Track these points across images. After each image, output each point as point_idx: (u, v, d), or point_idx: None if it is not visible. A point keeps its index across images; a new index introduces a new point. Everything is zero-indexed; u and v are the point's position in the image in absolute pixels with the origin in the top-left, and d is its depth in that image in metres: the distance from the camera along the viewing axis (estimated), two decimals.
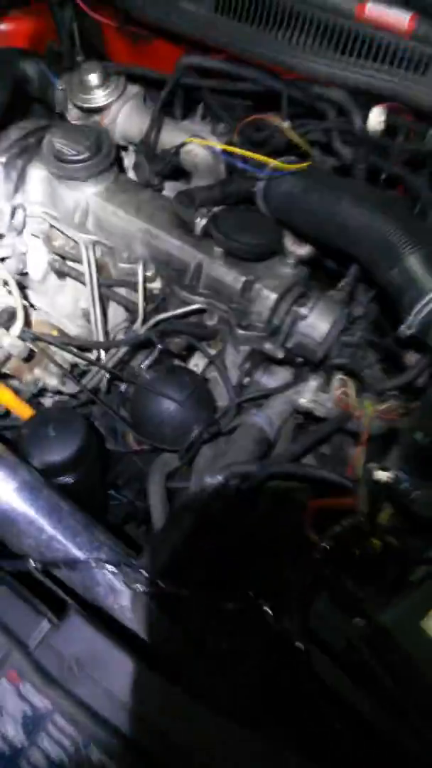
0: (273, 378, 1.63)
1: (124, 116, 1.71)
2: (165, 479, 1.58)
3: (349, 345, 1.54)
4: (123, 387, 1.61)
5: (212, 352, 1.57)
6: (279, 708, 1.07)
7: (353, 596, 1.07)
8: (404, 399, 1.57)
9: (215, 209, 1.60)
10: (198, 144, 1.64)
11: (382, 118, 1.52)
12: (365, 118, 1.54)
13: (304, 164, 1.58)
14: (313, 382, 1.60)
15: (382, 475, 1.18)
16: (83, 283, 1.62)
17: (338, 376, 1.53)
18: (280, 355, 1.50)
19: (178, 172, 1.72)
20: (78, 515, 1.31)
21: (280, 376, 1.63)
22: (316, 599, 1.10)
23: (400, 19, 1.47)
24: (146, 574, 1.21)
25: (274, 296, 1.50)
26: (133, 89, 1.72)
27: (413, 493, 1.14)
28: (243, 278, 1.51)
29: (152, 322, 1.50)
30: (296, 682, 1.09)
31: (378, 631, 1.01)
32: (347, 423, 1.55)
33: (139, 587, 1.20)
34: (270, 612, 1.11)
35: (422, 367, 1.49)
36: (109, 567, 1.24)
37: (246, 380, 1.60)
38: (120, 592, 1.24)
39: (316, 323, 1.50)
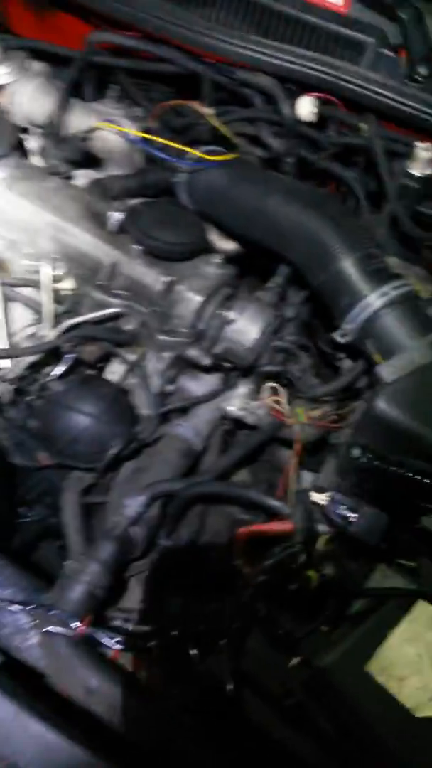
0: (199, 384, 1.51)
1: (28, 96, 1.53)
2: (80, 497, 1.45)
3: (280, 350, 1.45)
4: (29, 396, 1.45)
5: (132, 357, 1.44)
6: (209, 755, 0.97)
7: (289, 635, 0.97)
8: (337, 404, 1.50)
9: (132, 202, 1.46)
10: (111, 129, 1.49)
11: (313, 108, 1.42)
12: (294, 107, 1.44)
13: (230, 155, 1.46)
14: (242, 389, 1.51)
15: (318, 498, 1.09)
16: None
17: (268, 384, 1.43)
18: (206, 362, 1.39)
19: (90, 159, 1.56)
20: None
21: (207, 381, 1.51)
22: (249, 638, 1.00)
23: None
24: (57, 615, 1.09)
25: (198, 299, 1.38)
26: (38, 66, 1.55)
27: (351, 516, 1.06)
28: (164, 279, 1.38)
29: (63, 327, 1.35)
30: (227, 728, 0.99)
31: (317, 673, 0.92)
32: (279, 431, 1.47)
33: (52, 629, 1.08)
34: (196, 652, 1.01)
35: (356, 373, 1.42)
36: (15, 607, 1.11)
37: (170, 387, 1.47)
38: (28, 631, 1.11)
39: (245, 328, 1.39)
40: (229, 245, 1.66)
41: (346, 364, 1.60)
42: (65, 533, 1.40)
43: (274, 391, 1.43)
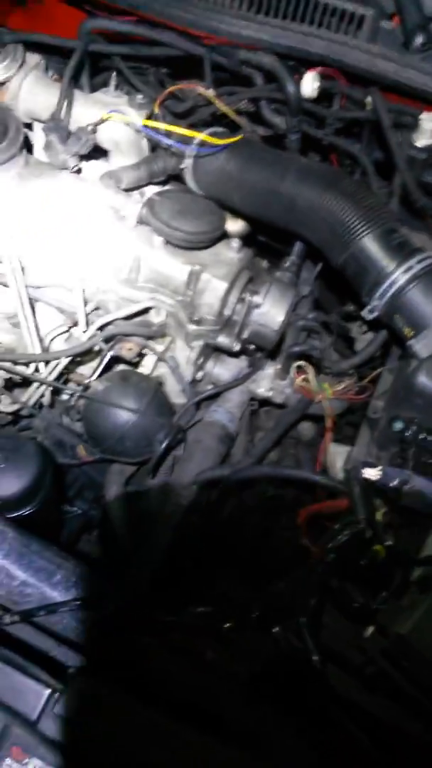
0: (225, 368, 1.55)
1: (27, 90, 1.50)
2: (123, 488, 1.49)
3: (305, 329, 1.49)
4: (65, 395, 1.47)
5: (160, 348, 1.46)
6: (300, 729, 1.04)
7: (363, 607, 1.04)
8: (357, 376, 1.55)
9: (148, 193, 1.46)
10: (117, 119, 1.47)
11: (317, 84, 1.43)
12: (297, 85, 1.44)
13: (236, 137, 1.47)
14: (269, 370, 1.55)
15: (370, 473, 1.15)
16: (5, 285, 1.44)
17: (297, 363, 1.47)
18: (237, 348, 1.42)
19: (96, 150, 1.55)
20: (47, 553, 1.20)
21: (233, 365, 1.55)
22: (325, 614, 1.06)
23: None
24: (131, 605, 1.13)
25: (224, 285, 1.40)
26: (34, 58, 1.51)
27: (404, 487, 1.12)
28: (188, 268, 1.40)
29: (95, 326, 1.36)
30: (314, 701, 1.06)
31: (396, 641, 0.99)
32: (308, 408, 1.52)
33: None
34: (278, 630, 1.07)
35: (377, 345, 1.47)
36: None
37: (200, 374, 1.51)
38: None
39: (272, 311, 1.42)
40: (236, 225, 1.67)
41: (357, 332, 1.65)
42: (113, 523, 1.44)
43: (303, 370, 1.47)
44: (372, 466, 1.18)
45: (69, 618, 1.16)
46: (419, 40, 1.41)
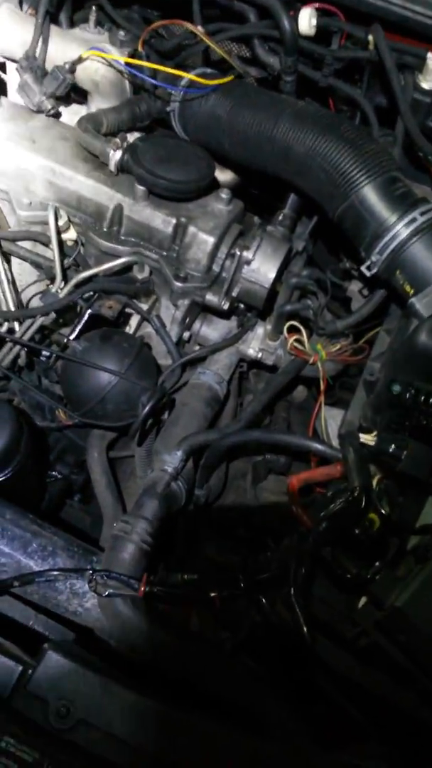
0: (214, 328, 1.47)
1: (0, 28, 1.38)
2: (105, 453, 1.42)
3: (298, 288, 1.40)
4: (44, 355, 1.38)
5: (144, 307, 1.38)
6: (288, 703, 1.00)
7: (357, 577, 0.98)
8: (352, 337, 1.48)
9: (130, 138, 1.36)
10: (98, 57, 1.36)
11: (314, 20, 1.32)
12: (293, 21, 1.33)
13: (227, 78, 1.36)
14: (260, 330, 1.47)
15: (366, 438, 1.08)
16: None
17: (289, 323, 1.39)
18: (225, 306, 1.34)
19: (76, 91, 1.44)
20: (23, 521, 1.14)
21: (222, 325, 1.47)
22: (316, 584, 1.01)
23: None
24: (115, 577, 1.08)
25: (212, 240, 1.31)
26: None
27: (402, 453, 1.05)
28: (173, 220, 1.31)
29: (74, 281, 1.28)
30: (303, 672, 1.01)
31: (392, 614, 0.93)
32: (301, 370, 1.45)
33: (112, 591, 1.07)
34: (264, 601, 1.02)
35: (374, 304, 1.39)
36: (70, 574, 1.09)
37: (186, 334, 1.43)
38: (83, 594, 1.10)
39: (263, 268, 1.34)
40: (226, 175, 1.58)
41: (353, 289, 1.57)
42: (96, 491, 1.38)
43: (296, 330, 1.39)
44: (368, 430, 1.12)
45: (46, 588, 1.11)
46: None
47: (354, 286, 1.56)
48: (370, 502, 0.99)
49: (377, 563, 1.01)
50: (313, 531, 0.99)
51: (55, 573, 1.08)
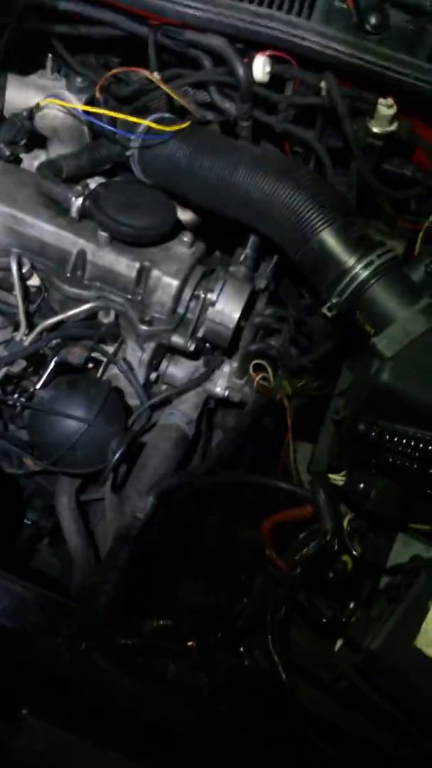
0: (180, 368, 1.47)
1: None
2: (75, 498, 1.41)
3: (262, 326, 1.43)
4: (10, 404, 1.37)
5: (110, 350, 1.38)
6: (268, 746, 1.00)
7: (333, 621, 1.00)
8: (314, 372, 1.51)
9: (92, 184, 1.37)
10: (56, 105, 1.37)
11: (268, 67, 1.35)
12: (247, 68, 1.36)
13: (185, 124, 1.38)
14: (226, 368, 1.48)
15: (336, 478, 1.10)
16: None
17: (254, 362, 1.41)
18: (191, 348, 1.35)
19: (33, 138, 1.44)
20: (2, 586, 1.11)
21: (188, 364, 1.48)
22: (292, 629, 1.02)
23: None
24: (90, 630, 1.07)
25: (176, 283, 1.33)
26: None
27: (371, 492, 1.07)
28: (137, 265, 1.32)
29: (39, 329, 1.27)
30: (282, 718, 1.01)
31: (368, 657, 0.95)
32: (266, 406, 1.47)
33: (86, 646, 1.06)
34: (242, 650, 1.02)
35: (337, 339, 1.42)
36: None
37: (152, 376, 1.43)
38: (58, 649, 1.09)
39: (227, 308, 1.36)
40: (187, 215, 1.60)
41: (315, 323, 1.60)
42: (67, 538, 1.37)
43: (262, 368, 1.41)
44: (336, 470, 1.14)
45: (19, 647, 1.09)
46: (373, 20, 1.35)
47: (315, 321, 1.60)
48: (342, 545, 1.01)
49: (351, 605, 1.02)
50: (288, 576, 1.00)
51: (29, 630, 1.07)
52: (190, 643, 1.06)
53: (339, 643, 1.03)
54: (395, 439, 1.12)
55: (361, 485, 1.08)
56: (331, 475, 1.11)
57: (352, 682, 0.97)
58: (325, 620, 1.01)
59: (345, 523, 1.07)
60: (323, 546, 1.00)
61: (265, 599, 1.02)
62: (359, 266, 1.21)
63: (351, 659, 0.98)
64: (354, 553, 1.02)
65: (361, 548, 1.05)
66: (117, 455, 1.19)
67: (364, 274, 1.20)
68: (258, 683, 1.01)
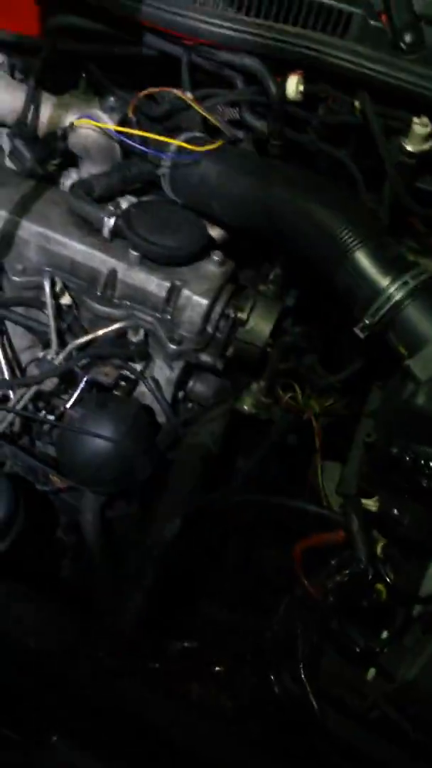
0: (207, 385, 1.47)
1: None
2: (100, 515, 1.40)
3: (290, 345, 1.42)
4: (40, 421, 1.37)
5: (138, 368, 1.38)
6: None
7: (366, 650, 0.98)
8: (342, 390, 1.50)
9: (123, 203, 1.38)
10: (88, 124, 1.38)
11: (301, 86, 1.35)
12: (280, 87, 1.36)
13: (216, 143, 1.38)
14: (254, 386, 1.47)
15: (368, 503, 1.09)
16: None
17: (283, 381, 1.40)
18: (220, 367, 1.35)
19: (65, 157, 1.45)
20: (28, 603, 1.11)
21: (215, 381, 1.47)
22: (324, 657, 1.00)
23: None
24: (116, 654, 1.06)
25: (205, 302, 1.32)
26: None
27: (405, 518, 1.06)
28: (167, 284, 1.32)
29: (69, 348, 1.27)
30: (312, 747, 1.00)
31: (403, 687, 0.93)
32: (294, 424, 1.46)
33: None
34: (273, 677, 1.01)
35: (367, 358, 1.41)
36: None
37: (180, 394, 1.43)
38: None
39: (257, 328, 1.35)
40: (216, 231, 1.60)
41: (344, 340, 1.58)
42: (91, 555, 1.36)
43: (291, 387, 1.40)
44: (368, 494, 1.12)
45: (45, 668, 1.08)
46: (409, 39, 1.34)
47: (344, 338, 1.58)
48: (376, 573, 0.99)
49: (384, 633, 1.00)
50: (321, 605, 0.99)
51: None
52: (217, 669, 1.04)
53: (371, 672, 1.01)
54: (431, 463, 1.10)
55: (395, 511, 1.06)
56: (363, 500, 1.09)
57: (385, 712, 0.95)
58: (358, 649, 0.99)
59: (378, 549, 1.06)
60: (357, 574, 0.98)
61: (293, 623, 1.00)
62: (393, 287, 1.19)
63: (383, 688, 0.96)
64: (387, 580, 1.00)
65: (394, 576, 1.03)
66: (146, 474, 1.18)
67: (399, 295, 1.19)
68: (287, 710, 0.99)
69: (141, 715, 1.04)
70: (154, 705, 1.04)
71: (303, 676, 0.96)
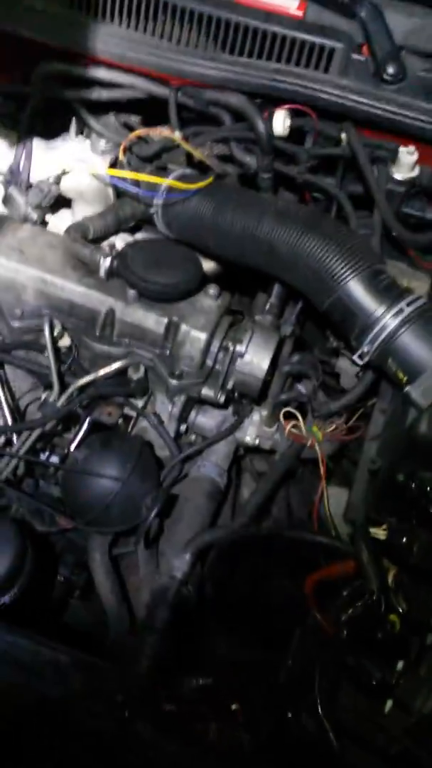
0: (210, 417, 1.47)
1: None
2: (108, 553, 1.40)
3: (290, 375, 1.43)
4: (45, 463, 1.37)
5: (139, 404, 1.39)
6: None
7: (382, 682, 0.97)
8: (345, 415, 1.50)
9: (118, 243, 1.39)
10: (80, 170, 1.40)
11: (288, 121, 1.37)
12: (267, 123, 1.38)
13: (206, 180, 1.40)
14: (255, 417, 1.48)
15: (377, 532, 1.09)
16: None
17: (285, 410, 1.41)
18: (221, 399, 1.35)
19: (59, 200, 1.47)
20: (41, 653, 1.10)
21: (217, 413, 1.48)
22: (340, 691, 0.99)
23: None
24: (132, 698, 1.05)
25: (204, 336, 1.33)
26: None
27: (414, 545, 1.05)
28: (165, 320, 1.33)
29: (71, 390, 1.28)
30: None
31: (422, 720, 0.92)
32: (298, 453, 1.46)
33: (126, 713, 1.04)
34: (290, 714, 1.00)
35: (366, 384, 1.41)
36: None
37: (182, 427, 1.43)
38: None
39: (255, 359, 1.36)
40: (208, 264, 1.61)
41: (342, 365, 1.59)
42: (101, 594, 1.35)
43: (293, 416, 1.40)
44: (377, 522, 1.12)
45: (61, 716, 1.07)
46: (391, 70, 1.37)
47: (342, 363, 1.59)
48: (389, 604, 0.99)
49: (400, 664, 1.00)
50: (335, 639, 0.98)
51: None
52: (234, 707, 1.04)
53: (389, 704, 1.00)
54: None
55: (404, 539, 1.06)
56: (371, 529, 1.09)
57: (406, 746, 0.94)
58: (374, 682, 0.98)
59: (389, 578, 1.05)
60: (369, 606, 0.98)
61: (308, 658, 0.99)
62: (388, 315, 1.20)
63: (402, 721, 0.96)
64: (400, 610, 1.00)
65: (406, 604, 1.03)
66: (152, 514, 1.18)
67: (394, 323, 1.20)
68: (306, 746, 0.98)
69: (158, 761, 1.03)
70: (171, 751, 1.03)
71: (320, 711, 0.95)
